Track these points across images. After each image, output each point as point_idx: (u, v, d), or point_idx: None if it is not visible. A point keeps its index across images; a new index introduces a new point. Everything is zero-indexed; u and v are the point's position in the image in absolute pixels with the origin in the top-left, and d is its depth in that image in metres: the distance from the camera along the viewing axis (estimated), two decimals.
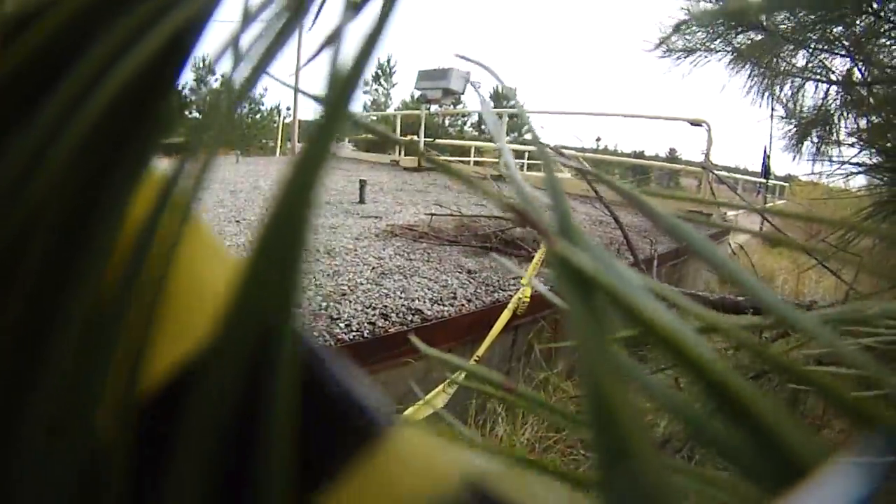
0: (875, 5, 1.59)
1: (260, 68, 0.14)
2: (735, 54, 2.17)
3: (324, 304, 2.57)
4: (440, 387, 2.04)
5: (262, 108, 22.70)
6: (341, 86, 0.13)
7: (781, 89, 2.16)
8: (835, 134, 2.02)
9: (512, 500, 0.15)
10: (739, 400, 0.12)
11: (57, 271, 0.13)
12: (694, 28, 2.18)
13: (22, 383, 0.12)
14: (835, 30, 1.76)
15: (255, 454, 0.11)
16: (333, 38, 0.14)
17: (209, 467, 0.11)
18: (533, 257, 2.82)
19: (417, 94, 10.95)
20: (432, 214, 4.62)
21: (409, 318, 2.52)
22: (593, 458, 0.11)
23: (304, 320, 0.14)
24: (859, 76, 1.84)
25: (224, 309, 0.11)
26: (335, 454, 0.14)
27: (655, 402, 0.14)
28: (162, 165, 0.14)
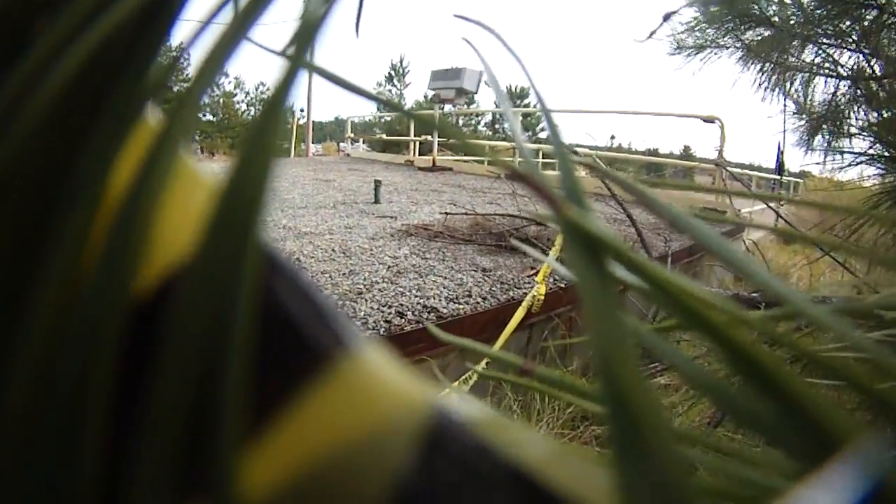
0: None
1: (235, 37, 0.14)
2: (745, 50, 2.17)
3: (340, 302, 2.59)
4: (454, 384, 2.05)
5: None
6: (307, 29, 0.14)
7: (792, 85, 2.16)
8: (846, 128, 2.02)
9: (478, 433, 0.15)
10: (760, 366, 0.12)
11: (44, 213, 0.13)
12: (703, 24, 2.19)
13: (20, 291, 0.13)
14: (843, 24, 1.77)
15: (217, 371, 0.12)
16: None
17: (191, 373, 0.12)
18: (547, 255, 2.82)
19: (431, 94, 10.94)
20: (447, 213, 4.62)
21: (425, 316, 2.54)
22: (608, 436, 0.11)
23: (270, 238, 0.15)
24: (868, 70, 1.84)
25: (204, 227, 0.12)
26: (292, 374, 0.14)
27: (680, 374, 0.14)
28: (152, 118, 0.15)
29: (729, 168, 5.06)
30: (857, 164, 1.83)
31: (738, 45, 2.20)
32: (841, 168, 1.97)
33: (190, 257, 0.13)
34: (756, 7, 1.97)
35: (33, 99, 0.13)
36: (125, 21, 0.14)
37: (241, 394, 0.12)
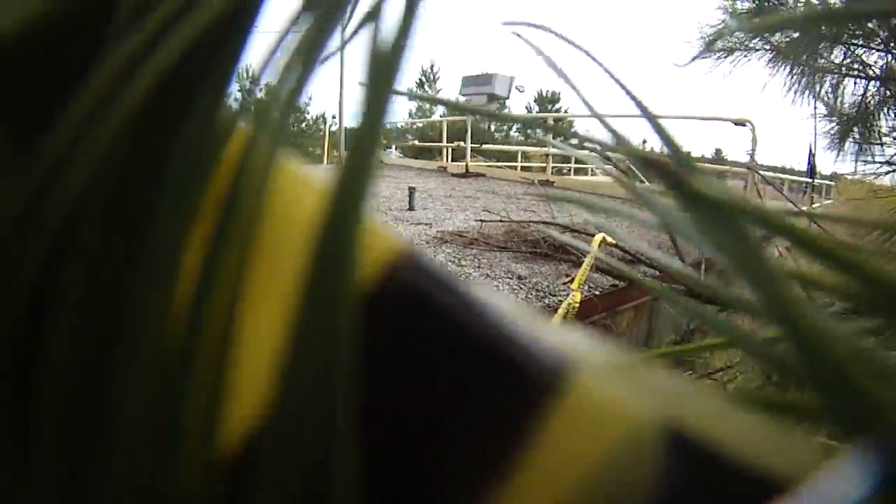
0: None
1: (309, 63, 0.13)
2: (774, 52, 2.17)
3: None
4: None
5: (308, 116, 22.35)
6: (385, 62, 0.13)
7: (822, 87, 2.16)
8: (876, 131, 2.00)
9: (717, 447, 0.13)
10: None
11: (108, 287, 0.12)
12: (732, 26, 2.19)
13: (90, 438, 0.11)
14: (869, 23, 1.76)
15: None
16: (371, 18, 0.13)
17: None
18: (581, 262, 2.84)
19: (462, 100, 10.94)
20: (482, 221, 4.60)
21: None
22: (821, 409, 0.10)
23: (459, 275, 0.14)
24: None
25: (281, 369, 0.11)
26: (521, 412, 0.13)
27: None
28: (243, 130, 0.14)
29: (761, 172, 5.00)
30: (888, 173, 1.82)
31: (767, 48, 2.20)
32: (875, 175, 1.96)
33: (274, 407, 0.12)
34: (784, 9, 1.97)
35: (110, 112, 0.12)
36: (200, 35, 0.13)
37: None
